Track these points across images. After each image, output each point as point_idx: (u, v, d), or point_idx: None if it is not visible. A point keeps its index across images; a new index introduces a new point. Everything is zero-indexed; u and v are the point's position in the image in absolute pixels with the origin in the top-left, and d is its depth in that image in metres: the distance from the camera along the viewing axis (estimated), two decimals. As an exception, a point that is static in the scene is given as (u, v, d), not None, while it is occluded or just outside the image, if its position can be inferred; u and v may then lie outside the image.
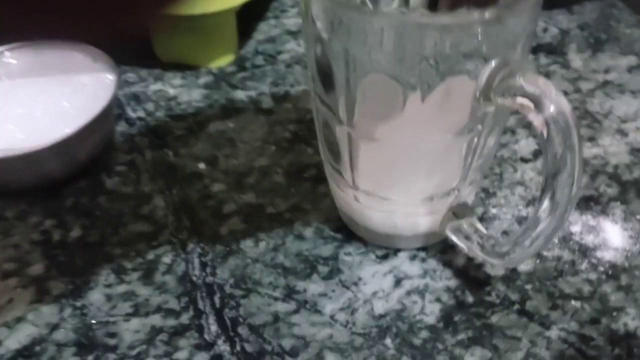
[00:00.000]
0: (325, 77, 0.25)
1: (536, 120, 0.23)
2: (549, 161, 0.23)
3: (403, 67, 0.23)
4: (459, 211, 0.29)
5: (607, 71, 0.42)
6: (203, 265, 0.31)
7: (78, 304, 0.29)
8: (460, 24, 0.22)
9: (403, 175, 0.27)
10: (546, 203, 0.24)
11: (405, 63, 0.23)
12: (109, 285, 0.30)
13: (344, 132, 0.26)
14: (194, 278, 0.30)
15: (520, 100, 0.23)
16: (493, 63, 0.23)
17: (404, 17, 0.22)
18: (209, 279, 0.30)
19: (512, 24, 0.23)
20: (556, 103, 0.22)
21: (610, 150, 0.36)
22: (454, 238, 0.29)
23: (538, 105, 0.22)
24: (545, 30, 0.45)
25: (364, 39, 0.23)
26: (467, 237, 0.29)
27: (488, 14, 0.22)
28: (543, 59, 0.43)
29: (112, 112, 0.36)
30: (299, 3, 0.49)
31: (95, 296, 0.30)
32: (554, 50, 0.43)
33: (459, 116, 0.25)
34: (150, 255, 0.31)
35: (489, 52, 0.23)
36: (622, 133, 0.37)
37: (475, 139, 0.27)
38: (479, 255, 0.28)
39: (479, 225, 0.29)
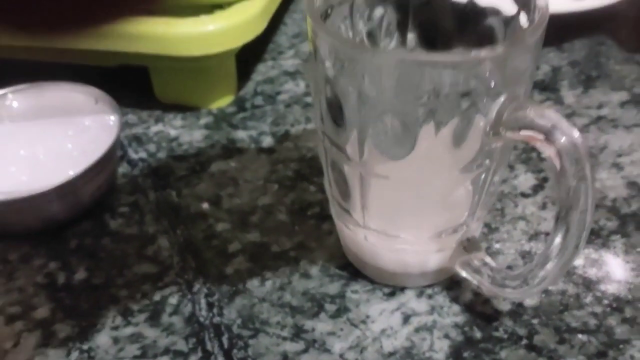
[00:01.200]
0: (335, 117, 0.26)
1: (548, 151, 0.23)
2: (562, 194, 0.23)
3: (414, 104, 0.24)
4: (468, 246, 0.30)
5: (599, 107, 0.43)
6: (210, 305, 0.31)
7: (85, 347, 0.29)
8: (471, 62, 0.22)
9: (413, 212, 0.28)
10: (559, 238, 0.24)
11: (415, 101, 0.24)
12: (115, 328, 0.30)
13: (355, 170, 0.27)
14: (201, 319, 0.30)
15: (531, 133, 0.23)
16: (502, 97, 0.24)
17: (416, 56, 0.23)
18: (217, 319, 0.30)
19: (518, 61, 0.23)
20: (568, 134, 0.23)
21: (608, 184, 0.37)
22: (464, 273, 0.30)
23: (550, 137, 0.23)
24: (537, 67, 0.47)
25: (373, 78, 0.24)
26: (477, 271, 0.29)
27: (497, 51, 0.22)
28: (537, 96, 0.44)
29: (115, 154, 0.36)
30: (296, 45, 0.49)
31: (102, 339, 0.29)
32: (547, 87, 0.45)
33: (468, 152, 0.26)
34: (157, 296, 0.31)
35: (497, 88, 0.24)
36: (618, 167, 0.38)
37: (483, 175, 0.27)
38: (490, 289, 0.29)
39: (489, 259, 0.29)
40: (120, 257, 0.33)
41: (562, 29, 0.49)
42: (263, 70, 0.47)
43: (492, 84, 0.23)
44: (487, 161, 0.26)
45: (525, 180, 0.37)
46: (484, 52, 0.22)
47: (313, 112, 0.41)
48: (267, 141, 0.41)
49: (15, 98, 0.38)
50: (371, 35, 0.29)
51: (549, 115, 0.23)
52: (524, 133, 0.23)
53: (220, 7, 0.38)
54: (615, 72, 0.46)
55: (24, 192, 0.32)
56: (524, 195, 0.36)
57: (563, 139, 0.22)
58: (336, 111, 0.25)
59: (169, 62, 0.39)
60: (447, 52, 0.27)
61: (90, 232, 0.35)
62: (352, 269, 0.32)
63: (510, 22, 0.26)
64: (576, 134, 0.22)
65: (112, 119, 0.37)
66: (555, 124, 0.22)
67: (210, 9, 0.39)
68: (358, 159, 0.26)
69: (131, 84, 0.44)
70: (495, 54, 0.22)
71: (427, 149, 0.25)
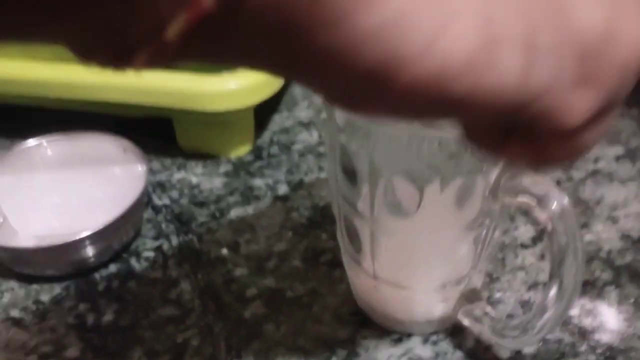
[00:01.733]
0: (349, 177, 0.28)
1: (540, 216, 0.26)
2: (554, 251, 0.26)
3: (418, 170, 0.26)
4: (470, 296, 0.32)
5: (596, 161, 0.45)
6: (229, 348, 0.33)
7: (113, 386, 0.31)
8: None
9: (420, 265, 0.30)
10: (554, 289, 0.27)
11: (420, 166, 0.26)
12: (141, 368, 0.32)
13: (366, 226, 0.29)
14: (221, 360, 0.32)
15: (526, 198, 0.26)
16: (500, 165, 0.26)
17: (419, 130, 0.25)
18: (235, 361, 0.32)
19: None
20: (559, 201, 0.25)
21: (603, 237, 0.39)
22: (466, 322, 0.32)
23: (542, 203, 0.25)
24: (537, 122, 0.49)
25: (383, 147, 0.26)
26: (478, 321, 0.31)
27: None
28: (537, 150, 0.46)
29: (143, 202, 0.39)
30: (309, 97, 0.52)
31: (129, 378, 0.32)
32: (547, 141, 0.47)
33: (470, 212, 0.28)
34: (179, 339, 0.34)
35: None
36: (613, 220, 0.40)
37: (484, 231, 0.29)
38: (490, 338, 0.31)
39: (489, 309, 0.31)
40: (145, 300, 0.36)
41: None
42: (279, 120, 0.50)
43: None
44: (488, 220, 0.29)
45: (525, 231, 0.40)
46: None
47: (327, 170, 0.43)
48: (283, 189, 0.43)
49: (50, 147, 0.41)
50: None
51: (542, 184, 0.25)
52: (520, 199, 0.26)
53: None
54: (611, 127, 0.48)
55: (58, 239, 0.35)
56: (523, 246, 0.39)
57: (555, 205, 0.25)
58: (349, 172, 0.28)
59: (192, 115, 0.42)
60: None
61: (118, 276, 0.37)
62: (362, 315, 0.35)
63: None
64: (566, 200, 0.25)
65: (139, 169, 0.40)
66: (548, 192, 0.25)
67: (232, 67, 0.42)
68: (369, 215, 0.29)
69: (156, 133, 0.47)
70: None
71: (432, 209, 0.28)
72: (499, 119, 0.16)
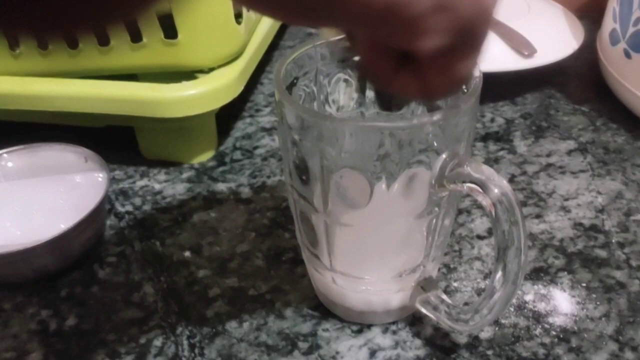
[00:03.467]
0: (302, 173, 0.29)
1: (484, 201, 0.27)
2: (498, 236, 0.27)
3: (367, 162, 0.27)
4: (425, 285, 0.33)
5: (549, 155, 0.47)
6: (192, 346, 0.33)
7: (76, 388, 0.31)
8: (414, 126, 0.26)
9: (374, 255, 0.31)
10: (500, 271, 0.28)
11: (369, 159, 0.27)
12: (104, 370, 0.32)
13: (320, 220, 0.30)
14: (184, 359, 0.33)
15: (470, 185, 0.27)
16: (444, 155, 0.27)
17: (365, 122, 0.26)
18: (198, 359, 0.33)
19: (457, 122, 0.27)
20: (499, 186, 0.26)
21: (556, 226, 0.41)
22: (423, 310, 0.33)
23: (485, 189, 0.26)
24: (492, 120, 0.51)
25: (332, 141, 0.27)
26: (435, 308, 0.32)
27: (436, 116, 0.26)
28: (492, 146, 0.48)
29: (104, 209, 0.39)
30: (272, 103, 0.53)
31: (92, 380, 0.32)
32: (501, 137, 0.49)
33: (419, 201, 0.29)
34: (142, 340, 0.34)
35: (439, 146, 0.27)
36: (565, 210, 0.42)
37: (434, 220, 0.30)
38: (447, 324, 0.32)
39: (445, 297, 0.32)
40: (108, 304, 0.36)
41: (515, 84, 0.54)
42: (242, 126, 0.51)
43: (434, 144, 0.27)
44: (437, 208, 0.30)
45: (480, 223, 0.41)
46: (424, 118, 0.26)
47: (283, 168, 0.44)
48: (245, 192, 0.44)
49: (11, 158, 0.41)
50: (334, 98, 0.32)
51: (483, 170, 0.26)
52: (466, 186, 0.27)
53: (200, 72, 0.42)
54: (564, 123, 0.50)
55: (19, 246, 0.35)
56: (479, 237, 0.40)
57: (496, 191, 0.26)
58: (302, 169, 0.29)
59: (154, 122, 0.42)
60: (395, 114, 0.31)
61: (80, 281, 0.37)
62: (323, 309, 0.35)
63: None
64: (507, 185, 0.26)
65: (100, 176, 0.40)
66: (489, 178, 0.26)
67: (192, 74, 0.42)
68: (323, 209, 0.29)
69: (118, 142, 0.48)
70: (434, 119, 0.26)
71: (383, 200, 0.28)
72: (372, 27, 0.18)
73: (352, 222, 0.30)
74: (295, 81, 0.30)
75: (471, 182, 0.27)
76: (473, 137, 0.30)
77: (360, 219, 0.30)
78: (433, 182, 0.28)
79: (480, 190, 0.26)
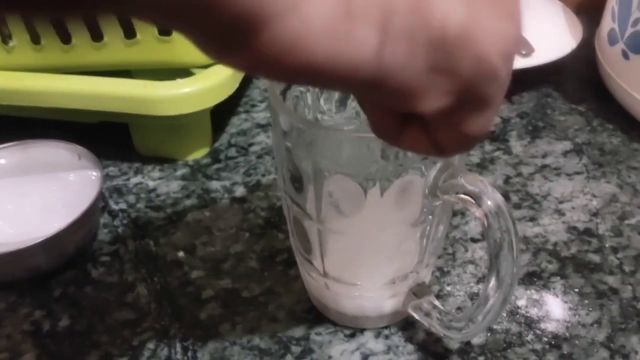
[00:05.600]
0: (295, 180, 0.29)
1: (477, 212, 0.27)
2: (490, 245, 0.27)
3: (361, 170, 0.27)
4: (418, 291, 0.33)
5: (544, 156, 0.47)
6: (185, 349, 0.34)
7: (68, 391, 0.31)
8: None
9: (367, 262, 0.31)
10: (493, 281, 0.28)
11: (362, 167, 0.27)
12: (97, 372, 0.32)
13: (314, 226, 0.30)
14: (177, 362, 0.33)
15: (463, 197, 0.27)
16: (438, 165, 0.27)
17: (359, 133, 0.26)
18: (191, 362, 0.33)
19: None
20: (492, 198, 0.26)
21: (550, 229, 0.41)
22: (415, 316, 0.33)
23: (478, 200, 0.26)
24: (489, 119, 0.51)
25: (326, 149, 0.27)
26: (427, 314, 0.32)
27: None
28: (487, 146, 0.48)
29: (97, 207, 0.39)
30: (268, 99, 0.53)
31: (85, 383, 0.32)
32: (497, 138, 0.49)
33: (413, 210, 0.29)
34: (135, 342, 0.34)
35: (432, 156, 0.27)
36: (560, 213, 0.42)
37: (428, 228, 0.30)
38: (439, 331, 0.32)
39: (437, 303, 0.32)
40: (102, 305, 0.36)
41: (512, 82, 0.54)
42: (237, 123, 0.51)
43: (429, 154, 0.27)
44: (430, 216, 0.30)
45: (475, 226, 0.41)
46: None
47: (277, 173, 0.44)
48: (240, 191, 0.44)
49: (3, 155, 0.41)
50: (328, 108, 0.32)
51: (477, 183, 0.26)
52: (459, 197, 0.27)
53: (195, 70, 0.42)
54: (560, 123, 0.50)
55: (12, 246, 0.35)
56: (473, 240, 0.40)
57: (489, 203, 0.26)
58: (295, 176, 0.29)
59: (148, 119, 0.42)
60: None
61: (74, 281, 0.37)
62: (316, 312, 0.35)
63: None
64: (500, 198, 0.26)
65: (94, 174, 0.40)
66: (482, 190, 0.26)
67: (186, 72, 0.42)
68: (316, 217, 0.29)
69: (112, 138, 0.47)
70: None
71: (377, 208, 0.28)
72: (365, 93, 0.18)
73: (345, 229, 0.30)
74: (289, 86, 0.30)
75: (465, 193, 0.27)
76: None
77: (354, 226, 0.30)
78: (426, 192, 0.28)
79: (473, 201, 0.26)
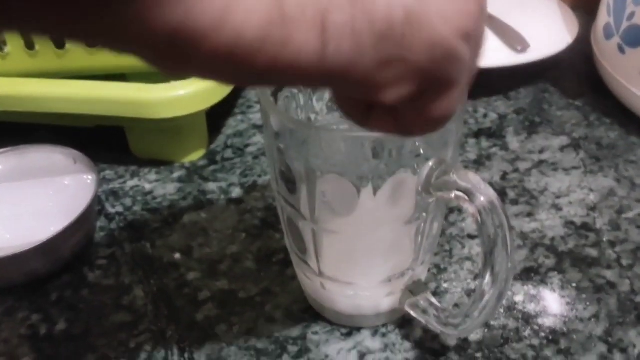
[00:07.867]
0: (288, 180, 0.29)
1: (470, 208, 0.26)
2: (484, 241, 0.27)
3: (353, 170, 0.27)
4: (414, 289, 0.33)
5: (541, 151, 0.47)
6: (181, 350, 0.34)
7: (66, 394, 0.31)
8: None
9: (363, 261, 0.31)
10: (488, 276, 0.27)
11: (355, 166, 0.27)
12: (94, 375, 0.32)
13: (308, 227, 0.30)
14: (174, 363, 0.33)
15: (456, 193, 0.27)
16: (430, 162, 0.27)
17: (351, 132, 0.26)
18: (188, 363, 0.33)
19: (441, 131, 0.27)
20: (485, 194, 0.26)
21: (547, 224, 0.40)
22: (412, 313, 0.33)
23: (470, 197, 0.26)
24: (485, 116, 0.51)
25: (318, 150, 0.27)
26: (424, 312, 0.32)
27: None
28: (484, 143, 0.47)
29: (93, 211, 0.39)
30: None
31: (82, 386, 0.32)
32: (494, 134, 0.48)
33: (406, 208, 0.29)
34: (132, 344, 0.34)
35: (426, 152, 0.27)
36: (557, 208, 0.42)
37: (422, 225, 0.30)
38: (436, 328, 0.32)
39: (434, 300, 0.32)
40: (98, 308, 0.36)
41: (509, 78, 0.54)
42: (233, 124, 0.51)
43: (421, 151, 0.27)
44: (424, 214, 0.29)
45: (471, 222, 0.41)
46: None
47: (270, 175, 0.44)
48: (236, 192, 0.44)
49: (-1, 160, 0.41)
50: (321, 108, 0.32)
51: (469, 179, 0.26)
52: (452, 193, 0.26)
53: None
54: (557, 118, 0.50)
55: (8, 250, 0.35)
56: (470, 236, 0.40)
57: (482, 199, 0.26)
58: (288, 177, 0.29)
59: (144, 122, 0.42)
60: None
61: (70, 285, 0.37)
62: (313, 312, 0.35)
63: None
64: (493, 193, 0.26)
65: (90, 178, 0.40)
66: (475, 186, 0.26)
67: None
68: (310, 217, 0.29)
69: (109, 141, 0.47)
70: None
71: (370, 207, 0.28)
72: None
73: (339, 229, 0.30)
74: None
75: (457, 190, 0.26)
76: (460, 144, 0.30)
77: (348, 226, 0.30)
78: (419, 189, 0.28)
79: (466, 198, 0.26)
